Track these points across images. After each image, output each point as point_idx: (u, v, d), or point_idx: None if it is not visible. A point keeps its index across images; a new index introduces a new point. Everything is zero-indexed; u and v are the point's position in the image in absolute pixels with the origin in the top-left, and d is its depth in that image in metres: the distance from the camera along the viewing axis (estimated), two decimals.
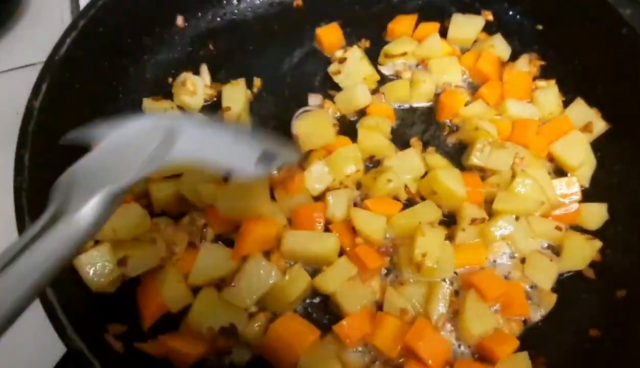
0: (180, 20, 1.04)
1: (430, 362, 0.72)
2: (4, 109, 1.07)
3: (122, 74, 0.97)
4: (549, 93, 0.96)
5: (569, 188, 0.89)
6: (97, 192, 0.46)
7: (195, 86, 0.97)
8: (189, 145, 0.56)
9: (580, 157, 0.89)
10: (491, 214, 0.85)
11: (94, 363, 0.58)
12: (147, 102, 0.95)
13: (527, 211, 0.85)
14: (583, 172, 0.90)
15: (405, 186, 0.88)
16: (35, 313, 0.83)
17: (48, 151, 0.77)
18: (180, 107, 0.97)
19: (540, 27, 1.02)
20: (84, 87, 0.87)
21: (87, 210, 0.45)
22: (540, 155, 0.91)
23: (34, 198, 0.71)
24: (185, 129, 0.56)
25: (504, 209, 0.85)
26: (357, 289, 0.78)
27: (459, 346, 0.76)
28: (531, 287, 0.81)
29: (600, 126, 0.92)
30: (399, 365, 0.74)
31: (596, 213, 0.86)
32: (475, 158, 0.89)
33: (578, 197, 0.88)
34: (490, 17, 1.05)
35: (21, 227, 0.68)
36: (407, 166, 0.89)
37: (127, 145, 0.53)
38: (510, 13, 1.06)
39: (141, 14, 0.97)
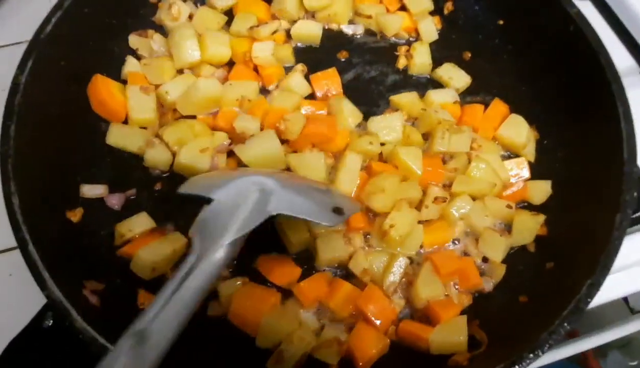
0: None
1: (377, 322, 0.80)
2: None
3: (106, 52, 1.03)
4: None
5: (519, 168, 0.97)
6: (223, 243, 0.64)
7: (180, 14, 1.06)
8: (281, 203, 0.71)
9: (524, 136, 0.98)
10: (451, 196, 0.93)
11: (70, 311, 0.65)
12: (132, 38, 1.05)
13: (481, 192, 0.93)
14: (529, 149, 0.99)
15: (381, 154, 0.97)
16: (20, 270, 0.93)
17: (32, 123, 0.83)
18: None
19: (501, 22, 1.10)
20: (69, 65, 0.93)
21: (219, 255, 0.63)
22: (488, 137, 1.00)
23: (19, 165, 0.77)
24: (276, 187, 0.73)
25: (462, 191, 0.93)
26: (337, 242, 0.87)
27: (407, 309, 0.85)
28: (483, 261, 0.89)
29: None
30: (350, 325, 0.82)
31: (541, 190, 0.95)
32: (439, 145, 0.96)
33: (527, 175, 0.97)
34: (451, 7, 1.14)
35: (7, 191, 0.74)
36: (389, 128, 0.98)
37: (234, 202, 0.70)
38: (476, 8, 1.14)
39: None
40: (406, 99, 1.04)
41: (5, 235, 0.94)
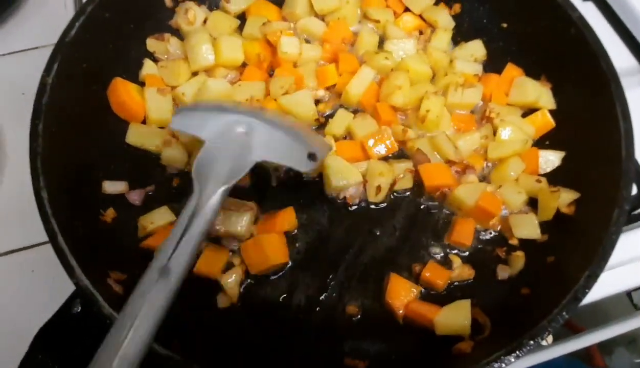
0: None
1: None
2: (10, 88, 1.18)
3: (125, 55, 1.07)
4: None
5: (543, 119, 1.03)
6: (217, 190, 0.71)
7: (195, 18, 1.11)
8: (263, 150, 0.78)
9: (532, 93, 1.03)
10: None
11: (97, 297, 0.70)
12: (150, 41, 1.10)
13: (516, 152, 0.99)
14: (545, 100, 1.04)
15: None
16: (42, 267, 0.98)
17: (58, 122, 0.88)
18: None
19: (505, 25, 1.14)
20: (90, 67, 0.98)
21: (215, 200, 0.71)
22: (503, 103, 1.06)
23: (46, 161, 0.82)
24: (259, 130, 0.79)
25: (498, 155, 1.00)
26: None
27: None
28: (507, 252, 0.93)
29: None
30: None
31: (552, 161, 0.99)
32: (452, 97, 1.04)
33: (552, 123, 1.03)
34: (458, 10, 1.18)
35: (37, 186, 0.79)
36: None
37: (224, 145, 0.77)
38: (480, 10, 1.17)
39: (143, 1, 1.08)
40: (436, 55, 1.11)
41: (26, 233, 1.01)
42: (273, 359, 0.82)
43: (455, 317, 0.81)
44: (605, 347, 2.33)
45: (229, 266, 0.89)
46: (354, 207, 0.98)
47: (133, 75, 1.06)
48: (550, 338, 1.14)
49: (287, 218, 0.93)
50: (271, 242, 0.89)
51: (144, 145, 1.00)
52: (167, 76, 1.06)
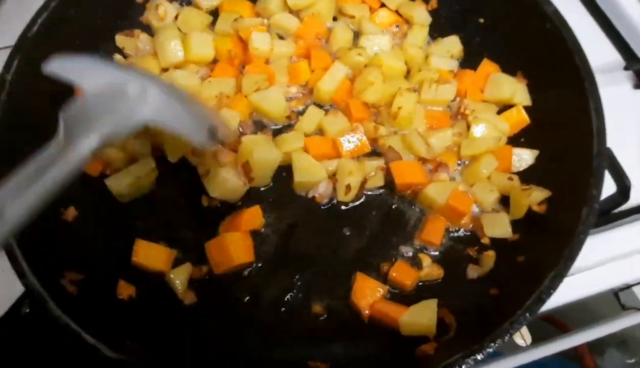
0: None
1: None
2: None
3: (94, 52, 1.05)
4: None
5: (517, 116, 1.01)
6: (93, 133, 0.60)
7: (166, 14, 1.09)
8: (154, 112, 0.66)
9: (507, 90, 1.02)
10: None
11: (46, 298, 0.68)
12: (119, 38, 1.07)
13: (488, 149, 0.97)
14: (520, 97, 1.02)
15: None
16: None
17: (18, 120, 0.86)
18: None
19: (481, 20, 1.11)
20: None
21: (85, 149, 0.59)
22: (478, 100, 1.04)
23: (3, 158, 0.80)
24: (154, 91, 0.66)
25: (471, 153, 0.98)
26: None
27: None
28: (478, 252, 0.91)
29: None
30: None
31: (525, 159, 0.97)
32: (425, 94, 1.02)
33: (527, 119, 1.00)
34: (435, 5, 1.16)
35: None
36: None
37: (111, 95, 0.64)
38: (456, 7, 1.15)
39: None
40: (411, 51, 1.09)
41: None
42: (235, 360, 0.80)
43: (420, 317, 0.79)
44: (596, 348, 2.31)
45: (178, 262, 0.87)
46: (324, 206, 0.96)
47: None
48: (528, 339, 1.12)
49: (253, 217, 0.91)
50: (235, 241, 0.87)
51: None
52: None
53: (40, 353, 0.69)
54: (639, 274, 1.02)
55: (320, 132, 1.02)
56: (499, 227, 0.89)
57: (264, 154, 0.93)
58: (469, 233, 0.94)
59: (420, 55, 1.09)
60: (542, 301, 0.70)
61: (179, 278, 0.85)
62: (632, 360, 2.15)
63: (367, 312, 0.84)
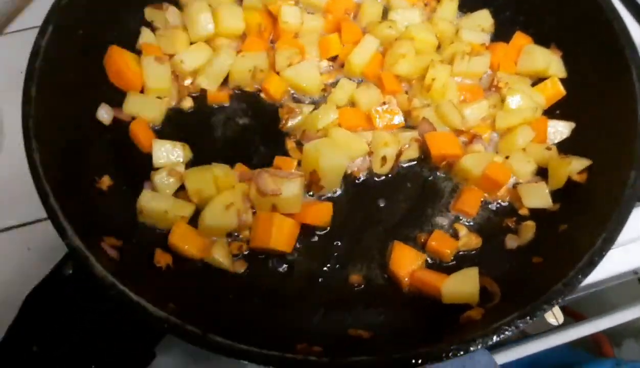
0: None
1: None
2: (9, 67, 1.16)
3: (122, 24, 1.05)
4: None
5: (553, 87, 0.99)
6: None
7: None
8: None
9: (541, 61, 1.01)
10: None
11: (89, 258, 0.67)
12: (148, 11, 1.07)
13: (525, 120, 0.96)
14: (555, 68, 1.01)
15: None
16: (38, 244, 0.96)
17: (52, 86, 0.85)
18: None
19: None
20: (86, 33, 0.95)
21: None
22: (512, 73, 1.03)
23: (40, 125, 0.79)
24: None
25: (506, 125, 0.96)
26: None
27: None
28: (517, 222, 0.89)
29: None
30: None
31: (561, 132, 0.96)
32: (458, 66, 1.01)
33: (563, 91, 0.99)
34: None
35: (29, 147, 0.76)
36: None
37: None
38: None
39: None
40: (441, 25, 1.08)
41: (23, 210, 0.98)
42: (275, 329, 0.78)
43: (463, 285, 0.78)
44: (615, 338, 2.29)
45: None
46: (360, 179, 0.95)
47: (130, 45, 1.03)
48: (561, 318, 1.11)
49: (322, 214, 0.88)
50: (283, 226, 0.84)
51: (141, 114, 0.98)
52: (165, 45, 1.03)
53: (82, 314, 0.68)
54: None
55: (352, 104, 1.01)
56: (539, 197, 0.88)
57: (330, 160, 0.87)
58: (506, 205, 0.92)
59: (451, 29, 1.08)
60: (594, 263, 0.68)
61: (220, 257, 0.83)
62: None
63: (406, 280, 0.83)
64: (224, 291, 0.81)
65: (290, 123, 0.97)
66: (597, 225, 0.73)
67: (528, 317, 0.64)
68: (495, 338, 0.63)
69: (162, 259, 0.81)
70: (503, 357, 1.42)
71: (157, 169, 0.90)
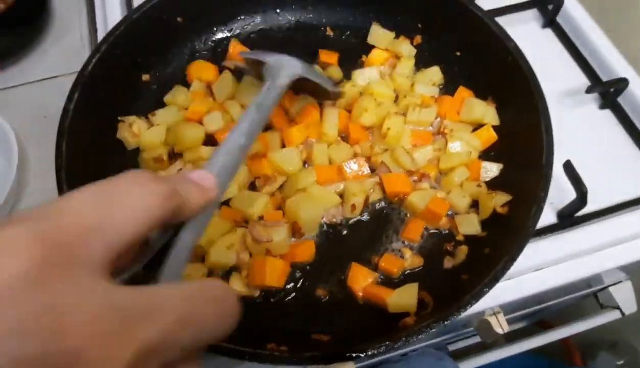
0: None
1: None
2: (33, 112, 1.38)
3: (133, 86, 1.27)
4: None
5: (488, 133, 1.20)
6: (283, 75, 1.00)
7: (140, 131, 1.19)
8: (304, 69, 1.07)
9: (478, 112, 1.21)
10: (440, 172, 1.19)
11: None
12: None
13: (462, 162, 1.16)
14: (490, 117, 1.22)
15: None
16: None
17: (79, 141, 1.07)
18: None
19: (458, 53, 1.32)
20: (106, 96, 1.17)
21: (282, 84, 0.98)
22: (455, 120, 1.24)
23: (69, 175, 1.00)
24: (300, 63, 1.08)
25: (448, 166, 1.17)
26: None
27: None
28: (454, 246, 1.09)
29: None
30: None
31: (492, 170, 1.17)
32: (410, 116, 1.22)
33: (495, 136, 1.20)
34: (419, 41, 1.37)
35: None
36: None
37: (282, 62, 1.05)
38: (436, 41, 1.36)
39: (150, 39, 1.28)
40: (399, 80, 1.29)
41: None
42: (249, 331, 0.97)
43: (404, 298, 0.97)
44: (588, 351, 2.46)
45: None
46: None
47: (143, 103, 1.26)
48: (506, 327, 1.28)
49: (305, 252, 1.07)
50: (276, 267, 1.02)
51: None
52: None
53: None
54: (602, 266, 1.18)
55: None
56: (471, 225, 1.08)
57: (307, 212, 1.07)
58: (446, 232, 1.12)
59: (407, 83, 1.29)
60: (496, 279, 0.88)
61: (238, 286, 1.02)
62: (622, 361, 2.29)
63: (360, 294, 1.02)
64: None
65: (266, 189, 1.14)
66: (507, 249, 0.93)
67: (442, 321, 0.83)
68: (416, 337, 0.82)
69: None
70: (467, 365, 1.60)
71: None
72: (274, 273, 1.02)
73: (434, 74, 1.31)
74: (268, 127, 1.23)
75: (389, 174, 1.16)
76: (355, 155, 1.19)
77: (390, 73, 1.32)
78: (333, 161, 1.18)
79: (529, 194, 0.99)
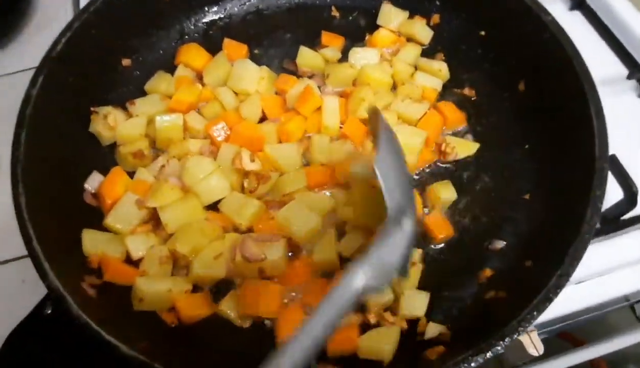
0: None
1: None
2: (10, 105, 1.23)
3: (111, 71, 1.11)
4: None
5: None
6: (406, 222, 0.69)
7: (116, 123, 1.02)
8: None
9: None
10: None
11: (66, 298, 0.71)
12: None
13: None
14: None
15: None
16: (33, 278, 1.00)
17: (41, 133, 0.91)
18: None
19: (482, 33, 1.15)
20: (78, 82, 1.02)
21: (407, 226, 0.68)
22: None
23: (27, 170, 0.85)
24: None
25: None
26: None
27: None
28: None
29: None
30: None
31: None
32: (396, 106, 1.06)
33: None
34: (437, 20, 1.20)
35: (16, 192, 0.81)
36: None
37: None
38: (458, 20, 1.19)
39: (131, 19, 1.12)
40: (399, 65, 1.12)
41: (19, 243, 1.03)
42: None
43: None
44: (616, 365, 2.26)
45: None
46: None
47: (118, 90, 1.10)
48: (541, 349, 1.11)
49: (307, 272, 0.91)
50: (271, 293, 0.86)
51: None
52: None
53: (61, 352, 0.72)
54: None
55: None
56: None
57: (300, 225, 0.90)
58: None
59: (408, 71, 1.13)
60: (550, 300, 0.71)
61: (231, 311, 0.85)
62: None
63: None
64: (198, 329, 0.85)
65: (261, 189, 0.97)
66: (556, 261, 0.76)
67: (479, 355, 0.66)
68: None
69: (169, 319, 0.84)
70: None
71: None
72: (269, 302, 0.83)
73: (440, 64, 1.14)
74: (263, 118, 1.08)
75: None
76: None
77: (391, 59, 1.15)
78: (330, 160, 1.00)
79: (579, 194, 0.82)
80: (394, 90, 1.12)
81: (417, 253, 0.91)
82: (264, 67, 1.13)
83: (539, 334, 1.82)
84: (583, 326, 2.13)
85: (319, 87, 1.10)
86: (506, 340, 0.68)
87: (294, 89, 1.07)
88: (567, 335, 2.13)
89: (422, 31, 1.18)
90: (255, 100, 1.07)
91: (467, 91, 1.14)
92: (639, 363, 2.16)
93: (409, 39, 1.20)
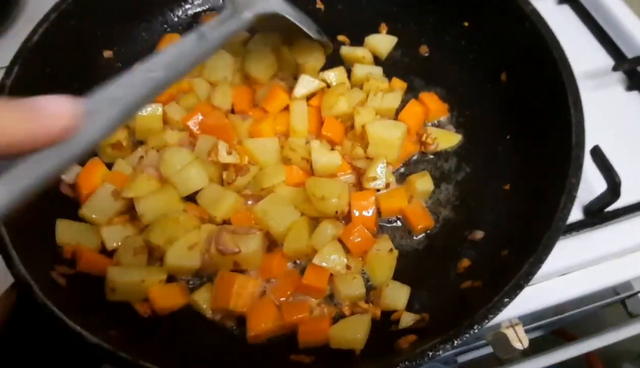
0: None
1: None
2: None
3: (93, 63, 1.11)
4: None
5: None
6: (248, 11, 0.81)
7: None
8: (282, 7, 0.92)
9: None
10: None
11: (32, 286, 0.70)
12: None
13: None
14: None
15: None
16: None
17: None
18: None
19: (466, 24, 1.14)
20: (56, 73, 1.01)
21: (245, 18, 0.80)
22: None
23: None
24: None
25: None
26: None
27: None
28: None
29: None
30: None
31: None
32: (371, 101, 1.05)
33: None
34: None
35: None
36: None
37: None
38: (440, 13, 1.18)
39: (113, 10, 1.11)
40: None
41: None
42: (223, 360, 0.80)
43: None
44: (611, 363, 2.25)
45: None
46: None
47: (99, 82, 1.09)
48: (525, 341, 1.10)
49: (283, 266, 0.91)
50: (245, 288, 0.84)
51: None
52: None
53: (29, 343, 0.71)
54: (636, 271, 1.00)
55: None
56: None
57: (282, 220, 0.89)
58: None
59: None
60: (520, 286, 0.70)
61: (204, 302, 0.85)
62: None
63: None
64: (174, 323, 0.84)
65: (239, 181, 0.96)
66: (530, 249, 0.75)
67: (449, 342, 0.65)
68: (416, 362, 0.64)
69: (142, 309, 0.83)
70: None
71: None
72: (240, 296, 0.82)
73: (363, 51, 1.15)
74: (232, 110, 1.07)
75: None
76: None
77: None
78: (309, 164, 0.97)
79: (555, 182, 0.81)
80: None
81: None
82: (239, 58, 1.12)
83: (532, 330, 1.82)
84: (577, 323, 2.12)
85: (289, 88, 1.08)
86: (475, 327, 0.66)
87: (263, 88, 1.07)
88: (561, 333, 2.12)
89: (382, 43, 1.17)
90: (226, 89, 1.06)
91: (450, 82, 1.13)
92: (633, 361, 2.15)
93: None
